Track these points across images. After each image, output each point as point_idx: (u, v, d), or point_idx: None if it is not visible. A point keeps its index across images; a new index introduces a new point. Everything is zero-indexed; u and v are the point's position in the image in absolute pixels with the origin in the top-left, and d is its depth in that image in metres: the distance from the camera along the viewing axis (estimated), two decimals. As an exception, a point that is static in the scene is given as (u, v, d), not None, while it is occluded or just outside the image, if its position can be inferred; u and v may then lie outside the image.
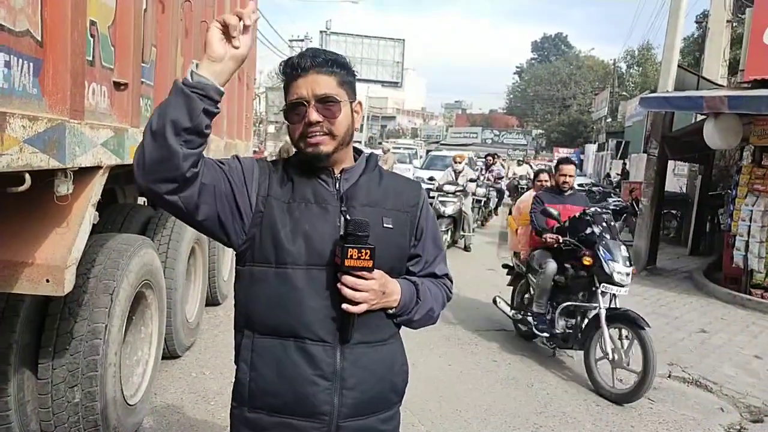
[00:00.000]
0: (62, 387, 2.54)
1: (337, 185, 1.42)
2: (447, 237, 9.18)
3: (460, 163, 10.13)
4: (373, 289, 1.32)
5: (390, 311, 1.41)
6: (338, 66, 1.39)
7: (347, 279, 1.30)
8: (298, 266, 1.35)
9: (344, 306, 1.31)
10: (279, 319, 1.36)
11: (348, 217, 1.36)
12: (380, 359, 1.42)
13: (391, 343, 1.46)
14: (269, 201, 1.38)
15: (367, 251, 1.29)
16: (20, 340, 2.44)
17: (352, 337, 1.36)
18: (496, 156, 15.23)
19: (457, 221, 9.40)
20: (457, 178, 9.82)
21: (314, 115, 1.33)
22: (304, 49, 1.46)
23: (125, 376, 3.04)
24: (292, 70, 1.37)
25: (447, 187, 9.47)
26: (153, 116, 1.24)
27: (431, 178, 11.32)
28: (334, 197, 1.40)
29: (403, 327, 1.50)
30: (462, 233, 9.75)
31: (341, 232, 1.35)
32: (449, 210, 9.27)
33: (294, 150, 1.46)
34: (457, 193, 9.47)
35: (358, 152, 1.50)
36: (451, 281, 1.61)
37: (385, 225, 1.41)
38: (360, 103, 1.46)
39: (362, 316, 1.34)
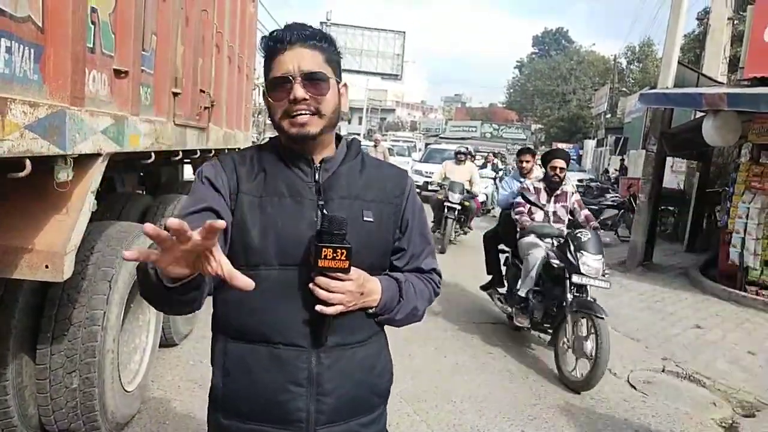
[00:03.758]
0: (60, 372, 2.55)
1: (316, 175, 1.31)
2: None
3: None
4: (349, 290, 1.23)
5: (370, 311, 1.32)
6: (326, 41, 1.29)
7: (321, 280, 1.20)
8: (271, 267, 1.25)
9: (318, 307, 1.21)
10: (249, 324, 1.28)
11: (326, 211, 1.26)
12: (359, 361, 1.33)
13: (372, 343, 1.36)
14: (239, 198, 1.28)
15: (344, 251, 1.18)
16: (19, 326, 2.46)
17: (328, 340, 1.27)
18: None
19: None
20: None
21: (300, 92, 1.23)
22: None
23: (123, 363, 3.05)
24: (276, 43, 1.27)
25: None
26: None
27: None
28: (310, 189, 1.30)
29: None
30: None
31: (318, 228, 1.24)
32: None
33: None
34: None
35: (338, 138, 1.39)
36: (440, 276, 1.49)
37: (365, 219, 1.30)
38: (346, 85, 1.36)
39: (339, 318, 1.25)
